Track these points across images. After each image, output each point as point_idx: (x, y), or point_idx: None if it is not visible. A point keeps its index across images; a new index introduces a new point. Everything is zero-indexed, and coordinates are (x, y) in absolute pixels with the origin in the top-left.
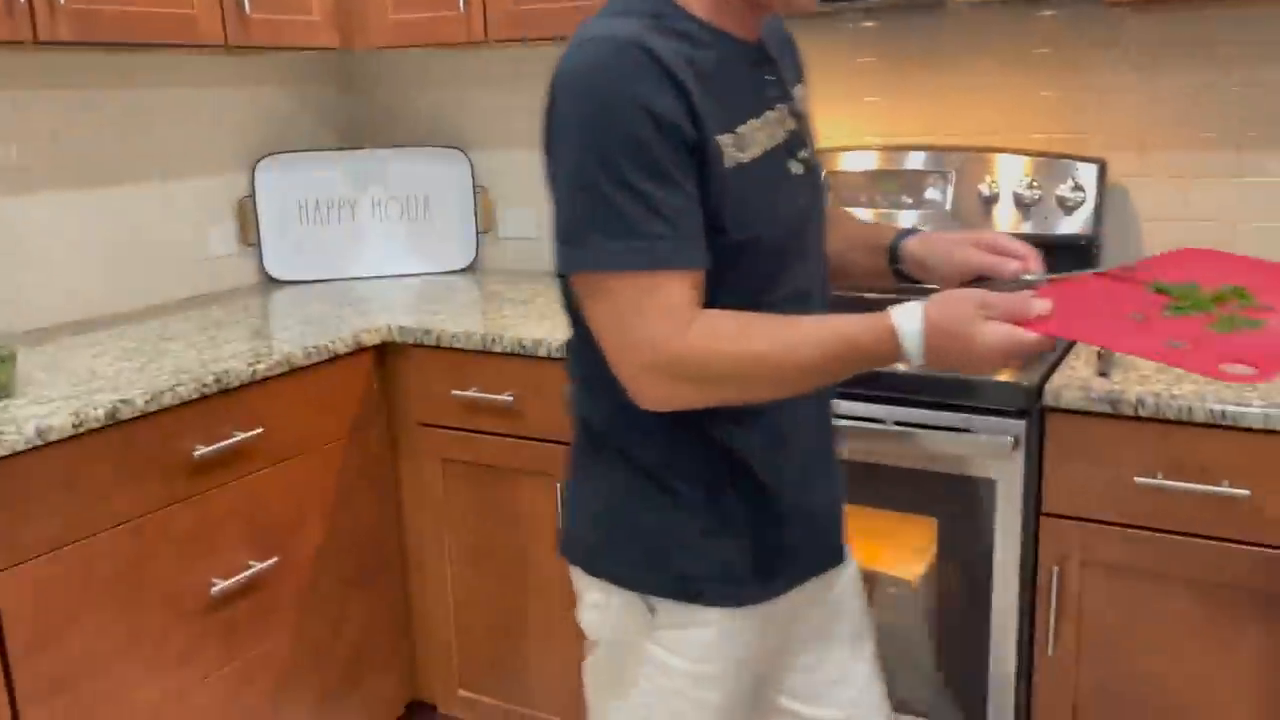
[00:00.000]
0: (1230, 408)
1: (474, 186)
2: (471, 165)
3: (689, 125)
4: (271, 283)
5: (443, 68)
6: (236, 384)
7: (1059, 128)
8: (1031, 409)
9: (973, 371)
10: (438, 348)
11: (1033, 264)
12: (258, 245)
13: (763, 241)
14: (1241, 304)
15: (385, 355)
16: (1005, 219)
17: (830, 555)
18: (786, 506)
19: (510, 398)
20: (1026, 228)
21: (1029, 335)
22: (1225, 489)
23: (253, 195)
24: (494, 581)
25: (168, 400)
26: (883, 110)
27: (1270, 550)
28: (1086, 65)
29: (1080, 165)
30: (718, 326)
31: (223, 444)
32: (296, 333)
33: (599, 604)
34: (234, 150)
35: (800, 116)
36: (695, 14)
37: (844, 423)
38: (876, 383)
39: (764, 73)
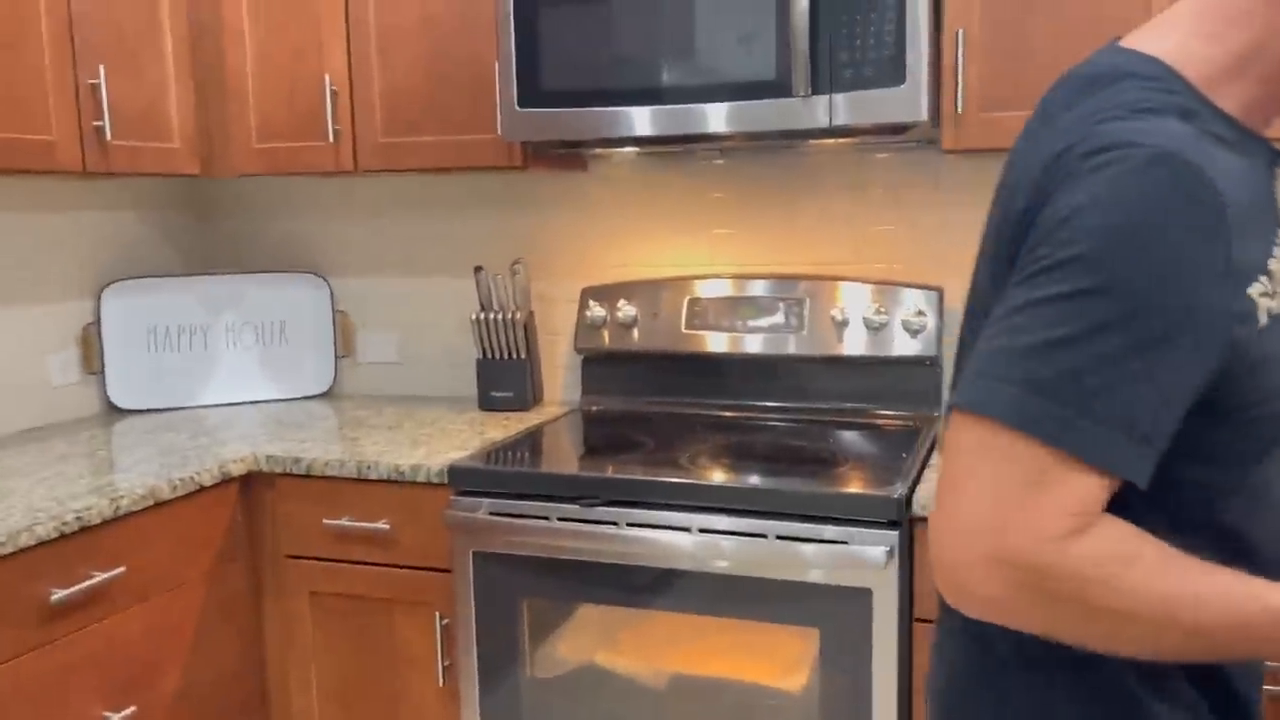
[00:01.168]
0: None
1: (334, 311)
2: (331, 290)
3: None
4: (115, 412)
5: (304, 194)
6: (98, 520)
7: (898, 258)
8: (902, 519)
9: None
10: (307, 476)
11: None
12: (101, 373)
13: None
14: None
15: (250, 485)
16: (856, 343)
17: None
18: None
19: (385, 525)
20: (875, 350)
21: None
22: None
23: (98, 322)
24: None
25: (25, 541)
26: (734, 241)
27: None
28: (919, 201)
29: (920, 292)
30: (1121, 545)
31: (81, 586)
32: (155, 465)
33: None
34: (81, 276)
35: None
36: (1226, 110)
37: (725, 539)
38: (755, 498)
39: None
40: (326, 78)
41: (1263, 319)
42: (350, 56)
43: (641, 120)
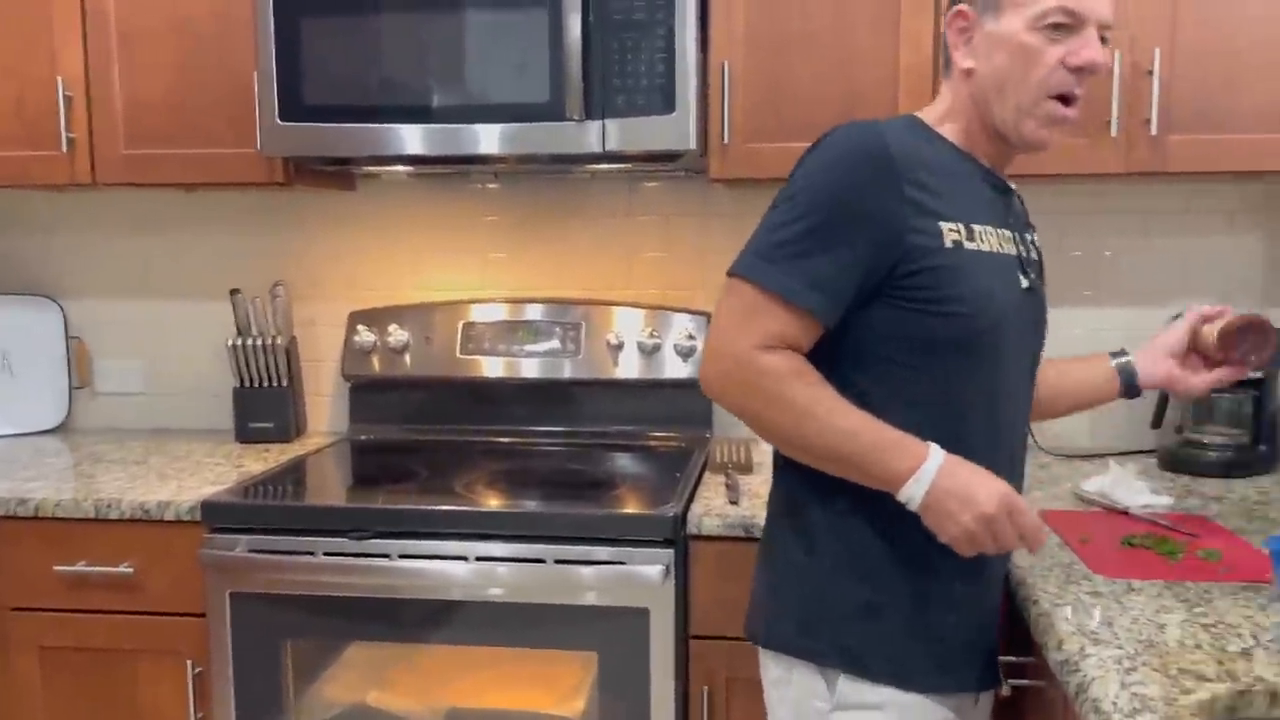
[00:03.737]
0: None
1: (67, 337)
2: (64, 314)
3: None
4: None
5: (33, 208)
6: None
7: (668, 283)
8: (677, 537)
9: (949, 521)
10: (35, 519)
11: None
12: None
13: (975, 321)
14: (1204, 556)
15: None
16: (630, 366)
17: (992, 676)
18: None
19: (129, 569)
20: (648, 374)
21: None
22: None
23: None
24: None
25: None
26: (509, 265)
27: None
28: (688, 228)
29: (690, 316)
30: (791, 366)
31: None
32: None
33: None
34: None
35: (1031, 248)
36: (949, 138)
37: (503, 565)
38: (532, 522)
39: (1002, 199)
40: (60, 81)
41: (947, 242)
42: (88, 58)
43: (412, 139)
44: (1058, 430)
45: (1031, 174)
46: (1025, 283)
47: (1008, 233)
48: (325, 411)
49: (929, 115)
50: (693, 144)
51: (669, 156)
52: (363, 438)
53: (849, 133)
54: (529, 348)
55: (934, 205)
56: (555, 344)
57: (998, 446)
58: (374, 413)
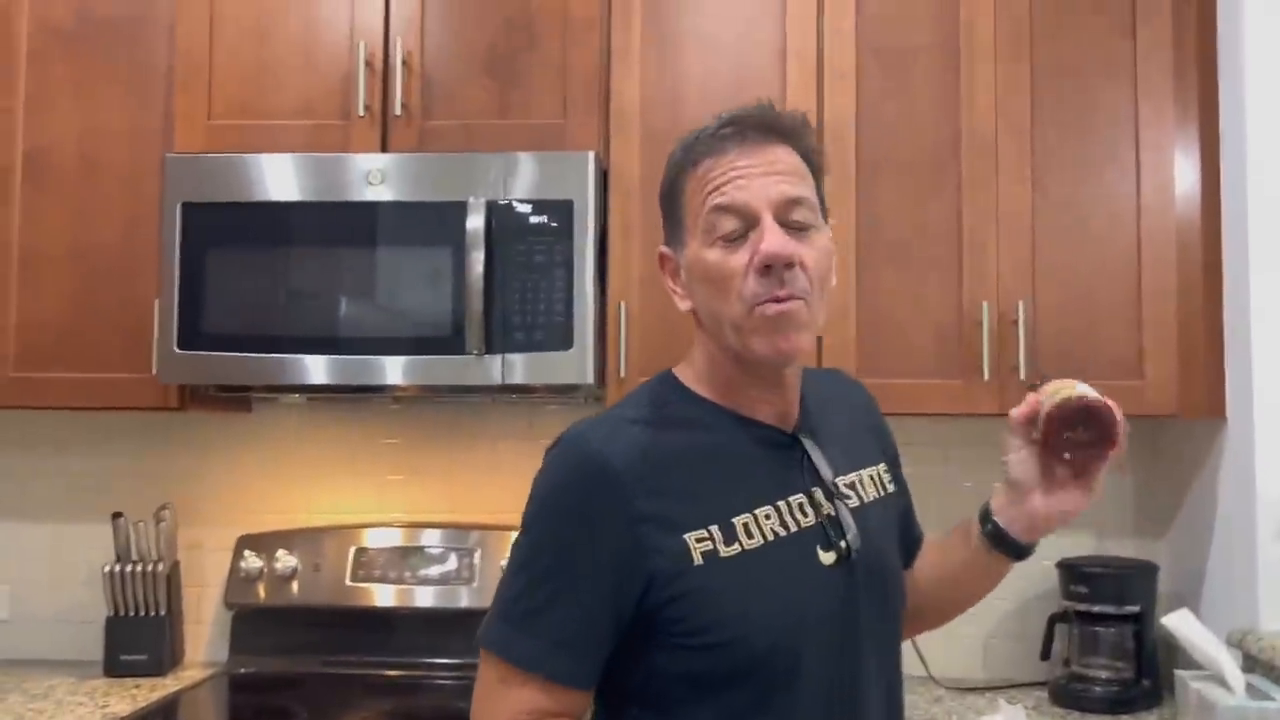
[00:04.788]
0: None
1: None
2: None
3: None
4: None
5: None
6: None
7: None
8: None
9: None
10: None
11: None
12: None
13: (742, 648)
14: None
15: None
16: None
17: None
18: None
19: None
20: None
21: None
22: None
23: None
24: None
25: None
26: (406, 487)
27: None
28: None
29: None
30: None
31: None
32: None
33: None
34: None
35: (857, 492)
36: (707, 396)
37: None
38: None
39: (788, 454)
40: None
41: (697, 559)
42: None
43: (316, 369)
44: (950, 661)
45: (911, 413)
46: (830, 556)
47: (799, 498)
48: (204, 641)
49: (686, 373)
50: (590, 379)
51: (568, 388)
52: (241, 670)
53: (565, 453)
54: (423, 573)
55: (678, 514)
56: (451, 569)
57: None
58: (256, 643)
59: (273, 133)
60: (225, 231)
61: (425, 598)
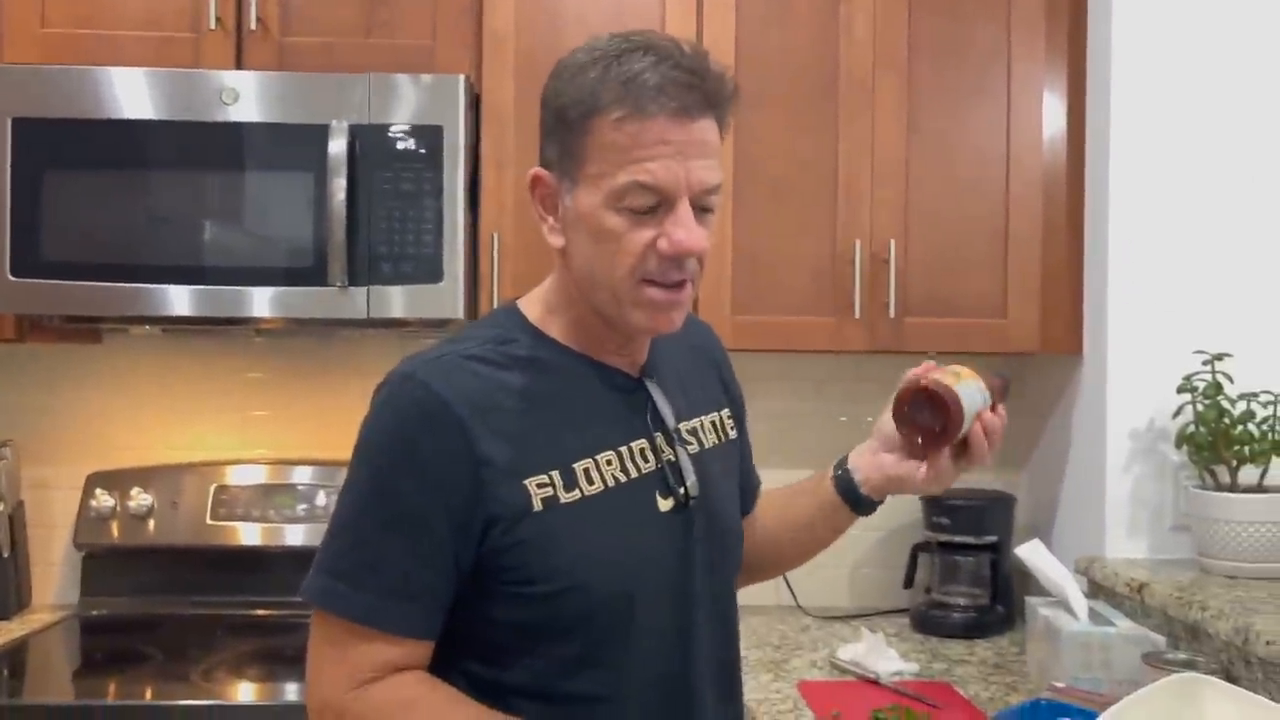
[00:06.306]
0: None
1: None
2: None
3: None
4: None
5: None
6: None
7: None
8: None
9: None
10: None
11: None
12: None
13: (577, 599)
14: None
15: None
16: None
17: None
18: None
19: None
20: None
21: None
22: None
23: None
24: None
25: None
26: (272, 423)
27: None
28: None
29: None
30: (398, 697)
31: None
32: None
33: None
34: None
35: (698, 438)
36: (554, 335)
37: None
38: (282, 716)
39: (635, 398)
40: None
41: (536, 504)
42: None
43: (177, 299)
44: (818, 591)
45: (785, 349)
46: (669, 503)
47: (641, 443)
48: (53, 584)
49: (533, 308)
50: (461, 313)
51: (441, 322)
52: (94, 613)
53: (396, 394)
54: (290, 512)
55: (518, 458)
56: (321, 507)
57: (682, 706)
58: (109, 585)
59: (115, 44)
60: (65, 150)
61: (295, 536)
